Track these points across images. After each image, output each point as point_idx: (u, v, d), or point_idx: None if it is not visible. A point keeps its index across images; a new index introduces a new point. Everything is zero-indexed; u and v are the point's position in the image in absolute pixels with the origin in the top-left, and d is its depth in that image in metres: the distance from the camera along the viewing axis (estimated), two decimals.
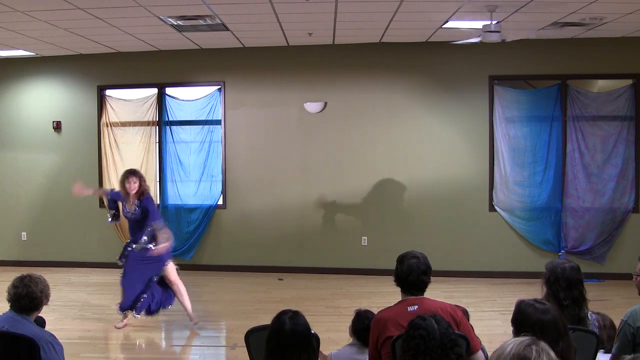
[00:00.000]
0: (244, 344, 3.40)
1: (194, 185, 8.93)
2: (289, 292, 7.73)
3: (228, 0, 5.96)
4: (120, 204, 6.22)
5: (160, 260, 6.08)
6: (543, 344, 2.02)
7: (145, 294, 6.03)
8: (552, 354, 1.99)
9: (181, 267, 8.77)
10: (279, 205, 8.77)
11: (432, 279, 3.35)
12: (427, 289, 3.34)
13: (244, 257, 8.81)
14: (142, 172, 8.80)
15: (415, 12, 6.47)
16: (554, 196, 8.17)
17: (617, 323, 3.42)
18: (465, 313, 3.76)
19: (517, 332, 2.72)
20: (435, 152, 8.43)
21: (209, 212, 8.84)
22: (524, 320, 2.72)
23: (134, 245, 6.08)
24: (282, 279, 8.33)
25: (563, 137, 8.15)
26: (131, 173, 6.08)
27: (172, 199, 8.92)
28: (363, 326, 3.68)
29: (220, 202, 8.93)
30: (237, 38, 7.91)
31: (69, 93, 9.07)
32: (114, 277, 8.54)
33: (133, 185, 5.99)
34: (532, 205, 8.21)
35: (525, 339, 2.03)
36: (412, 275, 3.25)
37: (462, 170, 8.38)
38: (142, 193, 6.06)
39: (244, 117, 8.79)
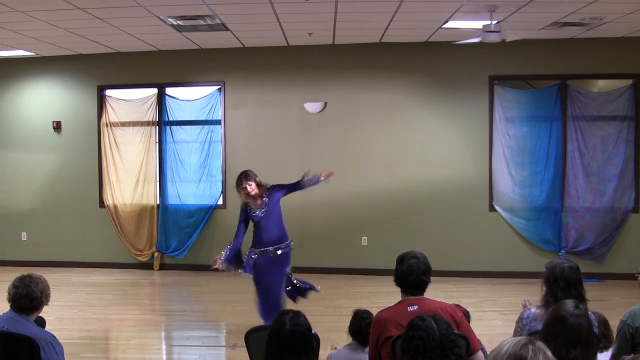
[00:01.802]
0: (244, 344, 3.40)
1: (194, 185, 8.93)
2: None
3: (228, 0, 5.96)
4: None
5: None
6: (539, 344, 2.01)
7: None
8: (549, 353, 1.99)
9: (181, 267, 8.88)
10: None
11: (432, 279, 3.34)
12: (427, 289, 3.33)
13: None
14: (142, 172, 8.93)
15: (415, 12, 6.48)
16: (554, 196, 8.17)
17: (616, 323, 3.42)
18: (467, 314, 3.75)
19: (547, 321, 2.70)
20: (435, 152, 8.43)
21: (208, 212, 8.84)
22: (556, 315, 2.67)
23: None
24: None
25: (563, 137, 8.15)
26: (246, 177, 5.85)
27: (172, 199, 8.92)
28: (358, 326, 3.68)
29: (220, 202, 8.93)
30: (237, 38, 7.91)
31: (69, 93, 9.07)
32: (114, 277, 8.60)
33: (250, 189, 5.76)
34: (532, 205, 8.21)
35: (522, 339, 2.03)
36: (412, 275, 3.24)
37: (462, 170, 8.38)
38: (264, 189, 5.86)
39: (244, 117, 8.79)
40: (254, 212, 5.75)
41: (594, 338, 2.70)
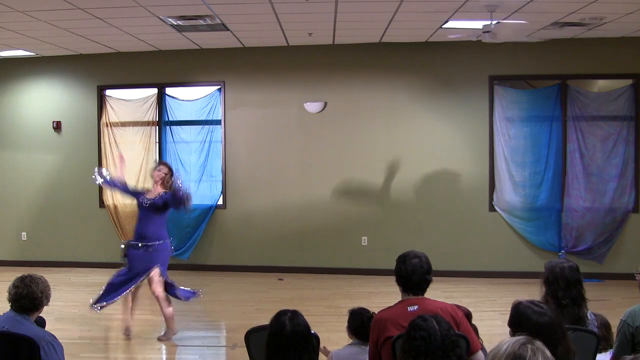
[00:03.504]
0: (244, 344, 3.40)
1: (194, 185, 8.91)
2: (289, 292, 7.74)
3: (228, 0, 5.96)
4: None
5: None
6: (538, 343, 2.01)
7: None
8: (548, 352, 1.99)
9: (181, 267, 8.88)
10: (279, 205, 8.77)
11: (432, 278, 3.35)
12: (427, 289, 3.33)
13: (243, 257, 8.81)
14: (142, 172, 8.92)
15: (415, 12, 6.48)
16: (554, 196, 8.18)
17: (617, 323, 3.42)
18: (469, 315, 3.75)
19: (514, 334, 2.70)
20: (435, 152, 8.43)
21: (209, 212, 8.84)
22: (522, 322, 2.70)
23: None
24: (282, 279, 8.34)
25: (563, 137, 8.15)
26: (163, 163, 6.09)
27: None
28: (360, 323, 3.69)
29: (220, 202, 8.93)
30: (237, 38, 7.91)
31: (69, 93, 9.07)
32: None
33: (158, 174, 5.83)
34: (532, 206, 8.21)
35: (521, 338, 2.03)
36: (416, 275, 3.23)
37: (462, 170, 8.39)
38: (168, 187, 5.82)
39: (244, 117, 8.79)
40: (142, 199, 5.77)
41: (563, 327, 2.72)
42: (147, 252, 5.73)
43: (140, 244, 5.72)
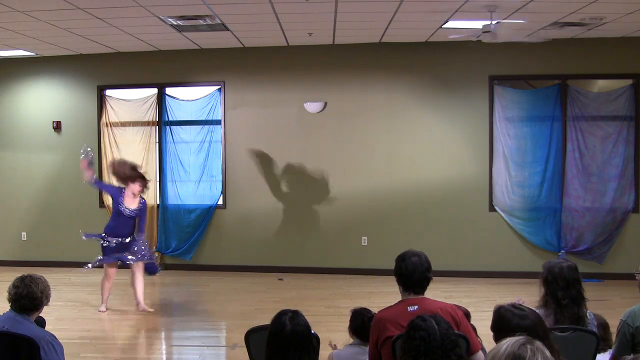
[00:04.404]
0: (244, 344, 3.41)
1: (194, 185, 8.93)
2: (289, 292, 7.74)
3: (228, 0, 5.96)
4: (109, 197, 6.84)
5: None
6: (538, 343, 2.01)
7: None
8: (547, 352, 1.99)
9: (181, 267, 8.89)
10: (279, 205, 8.77)
11: (432, 279, 3.35)
12: (427, 289, 3.33)
13: (244, 257, 8.81)
14: (142, 172, 8.93)
15: (415, 12, 6.48)
16: (553, 196, 8.18)
17: (616, 323, 3.42)
18: (467, 315, 3.75)
19: (497, 338, 2.73)
20: (435, 152, 8.43)
21: (208, 212, 8.84)
22: (503, 325, 2.73)
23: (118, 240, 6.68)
24: (282, 279, 8.34)
25: (563, 137, 8.15)
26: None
27: (172, 199, 8.92)
28: (361, 323, 3.69)
29: (220, 202, 8.93)
30: (237, 38, 7.91)
31: (69, 93, 9.07)
32: (114, 277, 8.57)
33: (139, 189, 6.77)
34: (532, 206, 8.21)
35: (520, 338, 2.02)
36: (416, 273, 3.22)
37: (462, 170, 8.39)
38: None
39: (244, 117, 8.79)
40: (124, 209, 6.69)
41: (545, 328, 2.76)
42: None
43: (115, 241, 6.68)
